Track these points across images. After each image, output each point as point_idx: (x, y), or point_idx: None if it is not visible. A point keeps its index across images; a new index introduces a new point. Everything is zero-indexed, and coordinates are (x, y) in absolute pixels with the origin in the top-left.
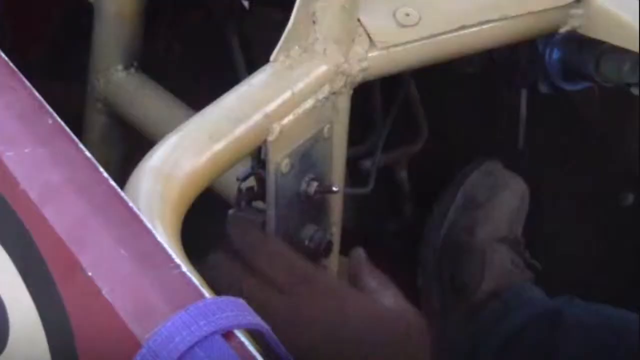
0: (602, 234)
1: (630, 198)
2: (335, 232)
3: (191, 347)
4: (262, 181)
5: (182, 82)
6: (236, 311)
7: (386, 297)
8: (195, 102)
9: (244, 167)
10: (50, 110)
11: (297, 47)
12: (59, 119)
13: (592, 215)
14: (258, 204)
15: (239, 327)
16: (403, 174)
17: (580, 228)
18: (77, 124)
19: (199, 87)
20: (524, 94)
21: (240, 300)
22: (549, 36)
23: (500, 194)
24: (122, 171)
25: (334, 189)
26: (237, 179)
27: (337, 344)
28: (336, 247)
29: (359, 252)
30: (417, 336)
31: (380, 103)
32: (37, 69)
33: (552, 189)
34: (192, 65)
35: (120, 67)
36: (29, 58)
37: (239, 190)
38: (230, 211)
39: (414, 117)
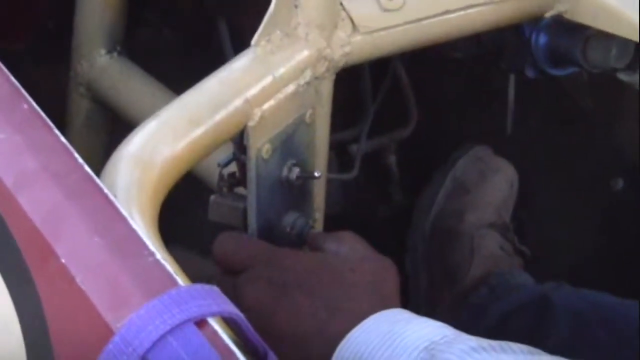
0: (593, 219)
1: (620, 183)
2: (318, 218)
3: (163, 336)
4: (243, 167)
5: (172, 68)
6: (210, 299)
7: (344, 252)
8: (184, 89)
9: (226, 153)
10: (26, 95)
11: (278, 32)
12: (34, 104)
13: (582, 200)
14: (240, 189)
15: (212, 315)
16: (392, 159)
17: (570, 213)
18: (63, 108)
19: (188, 73)
20: (512, 79)
21: (215, 288)
22: (535, 21)
23: (489, 179)
24: (106, 156)
25: (316, 174)
26: (219, 165)
27: (285, 293)
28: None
29: (312, 232)
30: (366, 277)
31: (370, 88)
32: (24, 54)
33: (542, 174)
34: (182, 51)
35: (103, 51)
36: (15, 43)
37: (220, 176)
38: (212, 197)
39: (403, 102)
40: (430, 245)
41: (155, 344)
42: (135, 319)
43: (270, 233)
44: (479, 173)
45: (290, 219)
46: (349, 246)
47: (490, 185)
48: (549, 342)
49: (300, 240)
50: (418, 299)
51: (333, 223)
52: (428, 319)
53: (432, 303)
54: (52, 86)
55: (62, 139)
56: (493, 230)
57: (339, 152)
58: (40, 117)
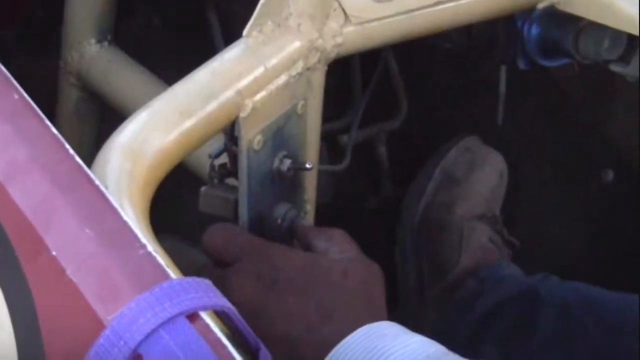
0: (583, 210)
1: (610, 174)
2: (310, 210)
3: (155, 329)
4: (234, 158)
5: (162, 57)
6: (201, 292)
7: (335, 252)
8: (174, 78)
9: (218, 144)
10: (16, 85)
11: (270, 23)
12: (25, 94)
13: (572, 191)
14: (231, 180)
15: (204, 308)
16: (382, 150)
17: (560, 204)
18: (54, 98)
19: (178, 63)
20: (503, 70)
21: (207, 281)
22: (527, 12)
23: (478, 170)
24: (97, 146)
25: (307, 166)
26: (210, 156)
27: (272, 291)
28: (311, 223)
29: (302, 223)
30: (357, 282)
31: (361, 78)
32: (15, 44)
33: (532, 165)
34: (172, 41)
35: (93, 41)
36: (6, 33)
37: (212, 167)
38: (203, 188)
39: (394, 93)
40: (419, 238)
41: (147, 337)
42: (126, 312)
43: (261, 224)
44: (468, 164)
45: (282, 211)
46: (338, 246)
47: (479, 176)
48: (538, 334)
49: (291, 232)
50: (407, 292)
51: (323, 214)
52: (415, 335)
53: (422, 295)
54: (42, 76)
55: (53, 129)
56: (482, 222)
57: (329, 143)
58: (31, 107)
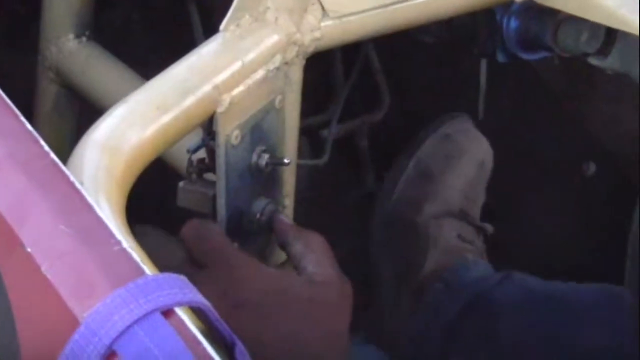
0: (565, 203)
1: (592, 167)
2: (288, 205)
3: (130, 326)
4: (212, 153)
5: (141, 52)
6: (177, 289)
7: (310, 261)
8: (154, 73)
9: (196, 139)
10: None
11: (247, 16)
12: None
13: (554, 185)
14: (209, 175)
15: (179, 304)
16: (364, 144)
17: (542, 197)
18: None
19: (157, 58)
20: (483, 63)
21: (182, 277)
22: (507, 5)
23: (455, 164)
24: (75, 141)
25: (286, 161)
26: (188, 151)
27: (236, 314)
28: (289, 219)
29: (282, 219)
30: (322, 310)
31: (342, 72)
32: None
33: (513, 158)
34: (151, 35)
35: (71, 36)
36: None
37: (190, 162)
38: (181, 183)
39: (374, 87)
40: (390, 235)
41: (121, 334)
42: (101, 308)
43: (239, 219)
44: (444, 157)
45: (260, 205)
46: (314, 255)
47: (453, 171)
48: (500, 338)
49: (270, 226)
50: (381, 291)
51: (304, 209)
52: None
53: (395, 295)
54: (22, 71)
55: (28, 125)
56: (453, 218)
57: (310, 137)
58: (6, 103)
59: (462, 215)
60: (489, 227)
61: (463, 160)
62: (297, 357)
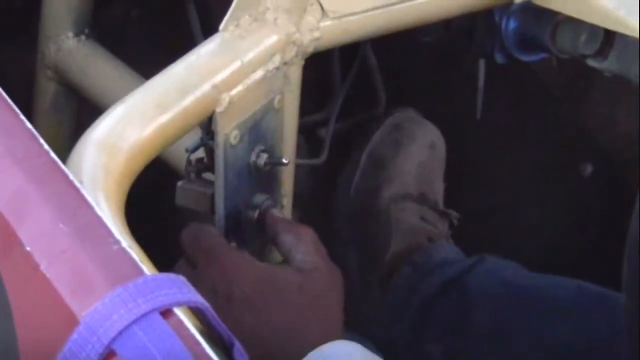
0: (562, 203)
1: (589, 168)
2: (287, 204)
3: (128, 326)
4: (211, 152)
5: (140, 51)
6: (175, 288)
7: (299, 251)
8: (153, 72)
9: (195, 138)
10: None
11: (247, 16)
12: None
13: (551, 185)
14: (208, 175)
15: (178, 304)
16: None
17: (539, 197)
18: (31, 91)
19: (157, 57)
20: (481, 63)
21: (181, 277)
22: (505, 6)
23: (404, 150)
24: (73, 139)
25: (284, 160)
26: (186, 150)
27: (227, 308)
28: (287, 218)
29: (273, 212)
30: (312, 296)
31: (340, 72)
32: None
33: (511, 158)
34: (150, 34)
35: (70, 34)
36: None
37: (188, 161)
38: (180, 182)
39: (372, 87)
40: (354, 227)
41: (120, 334)
42: (100, 308)
43: (237, 218)
44: (393, 144)
45: (258, 203)
46: (304, 246)
47: (405, 156)
48: (473, 325)
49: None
50: (350, 284)
51: (302, 207)
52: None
53: (364, 286)
54: (19, 68)
55: (27, 123)
56: (412, 201)
57: (308, 136)
58: (5, 100)
59: (422, 199)
60: (454, 213)
61: (413, 145)
62: (292, 346)
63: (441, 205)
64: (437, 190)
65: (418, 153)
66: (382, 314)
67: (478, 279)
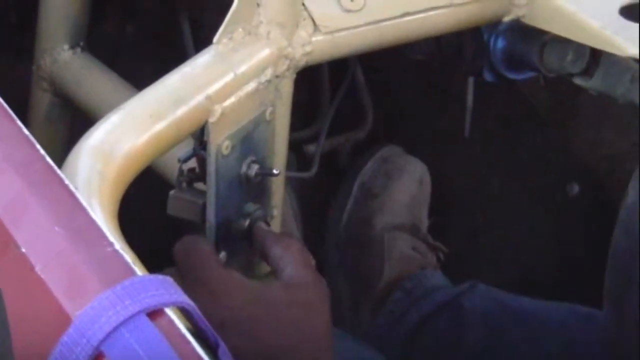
0: (548, 222)
1: (575, 188)
2: (277, 215)
3: (116, 327)
4: (203, 162)
5: (134, 64)
6: (162, 289)
7: (287, 263)
8: (146, 84)
9: (187, 148)
10: None
11: (240, 30)
12: None
13: (538, 204)
14: (199, 185)
15: (164, 305)
16: (347, 160)
17: (527, 217)
18: (25, 102)
19: (150, 70)
20: (470, 82)
21: (168, 278)
22: (493, 25)
23: (395, 180)
24: (67, 151)
25: (275, 172)
26: (179, 160)
27: (221, 334)
28: (277, 229)
29: (261, 225)
30: (302, 310)
31: (329, 88)
32: None
33: (498, 178)
34: (145, 47)
35: (66, 46)
36: None
37: (180, 171)
38: (172, 192)
39: (360, 104)
40: (345, 255)
41: (108, 336)
42: (89, 310)
43: (229, 228)
44: (384, 175)
45: (248, 213)
46: (291, 257)
47: (396, 186)
48: (465, 345)
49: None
50: (341, 310)
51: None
52: None
53: (355, 312)
54: (14, 79)
55: (25, 130)
56: (403, 231)
57: (296, 152)
58: (3, 107)
59: (413, 230)
60: (442, 247)
61: (403, 177)
62: None
63: (430, 239)
64: (424, 223)
65: (409, 186)
66: (373, 339)
67: (473, 300)
